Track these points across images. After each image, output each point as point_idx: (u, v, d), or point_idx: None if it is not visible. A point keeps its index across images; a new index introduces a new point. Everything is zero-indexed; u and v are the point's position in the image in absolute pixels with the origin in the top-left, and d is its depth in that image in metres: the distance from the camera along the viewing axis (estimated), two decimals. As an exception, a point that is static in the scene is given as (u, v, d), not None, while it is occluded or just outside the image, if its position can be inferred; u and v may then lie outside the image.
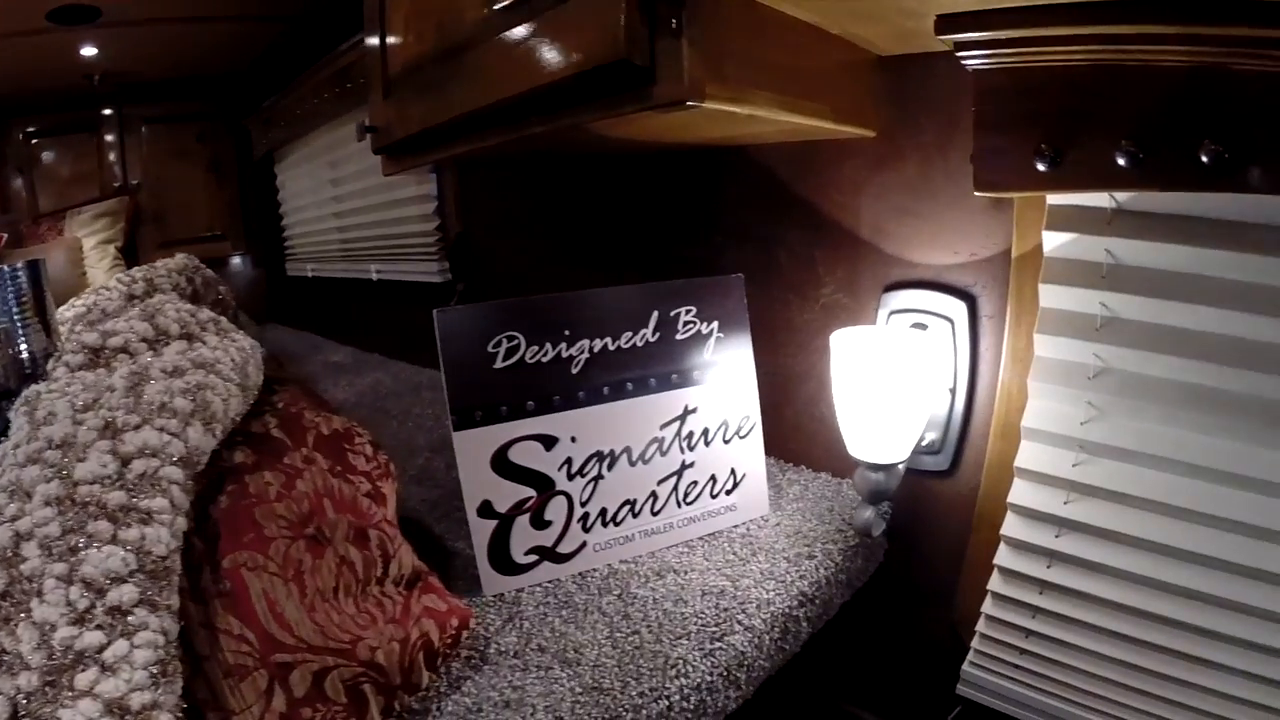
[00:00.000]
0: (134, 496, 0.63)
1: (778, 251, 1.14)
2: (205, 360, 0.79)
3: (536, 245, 1.69)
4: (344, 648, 0.66)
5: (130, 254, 2.84)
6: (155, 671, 0.56)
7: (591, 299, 0.89)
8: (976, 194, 0.83)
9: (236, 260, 3.26)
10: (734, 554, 0.92)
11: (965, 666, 0.97)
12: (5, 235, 2.73)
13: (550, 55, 0.75)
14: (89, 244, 2.77)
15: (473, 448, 0.83)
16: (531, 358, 0.85)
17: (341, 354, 2.10)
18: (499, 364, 0.84)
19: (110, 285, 1.08)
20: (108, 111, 2.92)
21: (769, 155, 1.14)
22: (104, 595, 0.57)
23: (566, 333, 0.87)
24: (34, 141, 2.94)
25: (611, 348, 0.89)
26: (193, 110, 3.05)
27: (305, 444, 0.76)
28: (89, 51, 2.42)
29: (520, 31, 0.79)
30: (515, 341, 0.84)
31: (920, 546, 1.04)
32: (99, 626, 0.56)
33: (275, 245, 3.14)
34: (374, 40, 1.15)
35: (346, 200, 2.39)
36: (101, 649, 0.55)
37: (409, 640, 0.70)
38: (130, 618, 0.57)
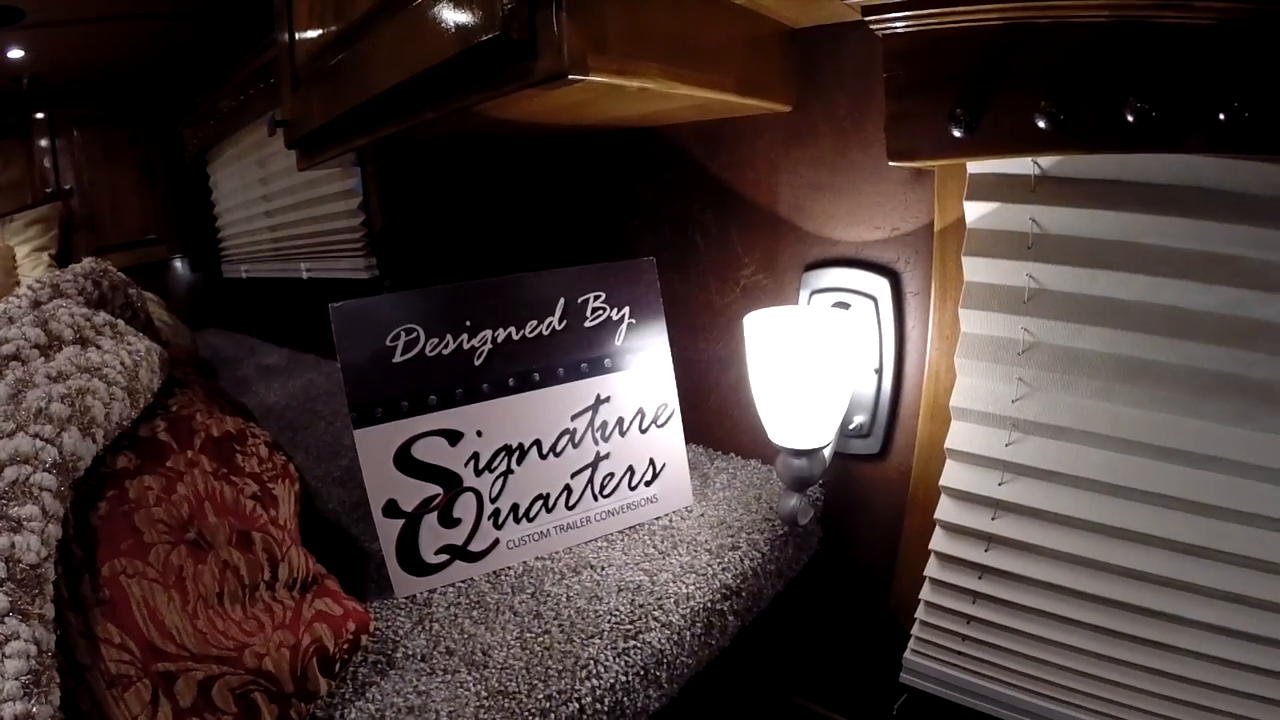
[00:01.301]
0: (4, 504, 0.64)
1: (694, 234, 1.15)
2: (91, 364, 0.80)
3: (460, 237, 1.71)
4: (229, 655, 0.68)
5: (65, 261, 2.85)
6: (28, 681, 0.57)
7: (493, 288, 0.90)
8: (891, 164, 0.83)
9: (178, 264, 3.27)
10: (654, 547, 0.93)
11: (907, 655, 0.98)
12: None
13: (436, 35, 0.76)
14: (22, 252, 2.79)
15: (374, 446, 0.84)
16: (431, 350, 0.86)
17: (276, 356, 2.12)
18: (398, 358, 0.85)
19: (20, 292, 1.09)
20: (39, 115, 2.94)
21: (684, 135, 1.15)
22: (-27, 606, 0.58)
23: (467, 323, 0.88)
24: (-37, 149, 2.95)
25: (516, 337, 0.90)
26: (125, 112, 3.07)
27: (191, 447, 0.77)
28: (16, 54, 2.44)
29: (406, 13, 0.80)
30: (414, 334, 0.85)
31: (856, 533, 1.06)
32: (-31, 637, 0.57)
33: (211, 248, 3.17)
34: (283, 31, 1.17)
35: (276, 199, 2.41)
36: (-29, 660, 0.56)
37: (300, 646, 0.71)
38: (0, 627, 0.58)
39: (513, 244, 1.56)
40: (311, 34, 1.09)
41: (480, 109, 0.82)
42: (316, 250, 2.21)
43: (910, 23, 0.80)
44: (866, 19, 0.81)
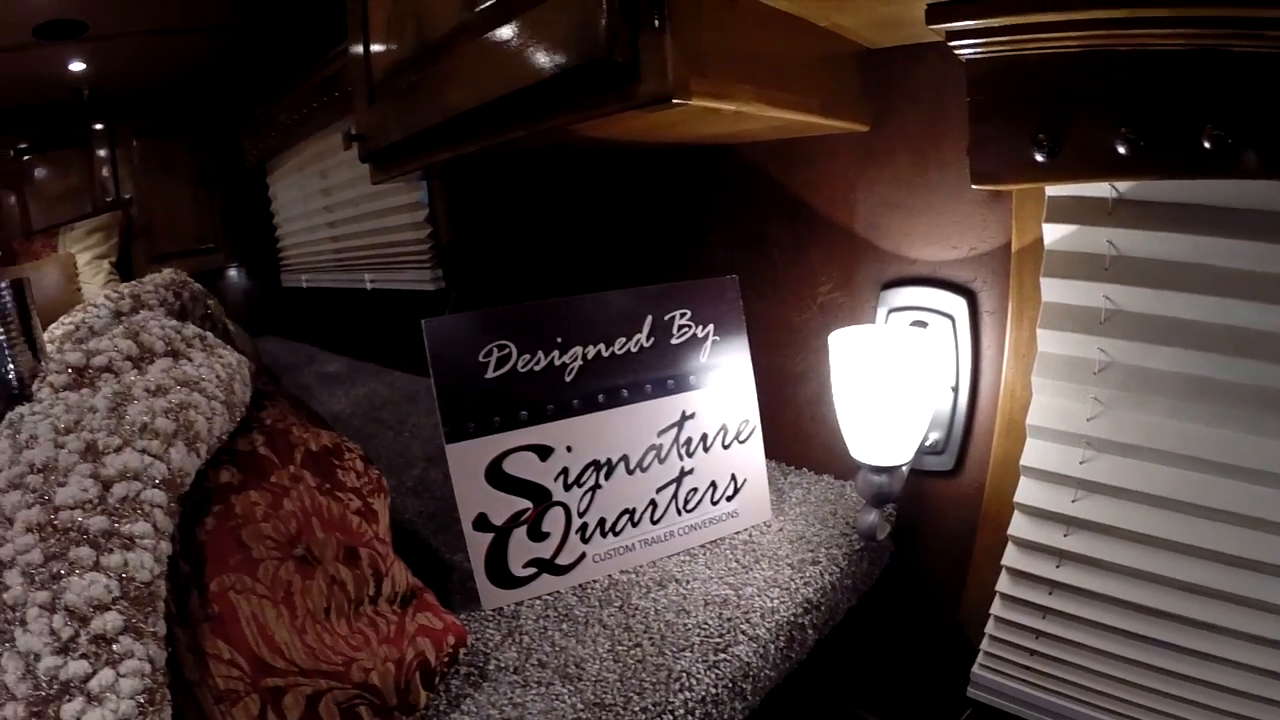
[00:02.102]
0: (116, 521, 0.61)
1: (772, 251, 1.13)
2: (189, 378, 0.77)
3: (528, 250, 1.68)
4: (337, 670, 0.65)
5: (124, 268, 2.85)
6: (143, 700, 0.55)
7: (583, 305, 0.87)
8: (974, 187, 0.81)
9: (233, 272, 3.26)
10: (737, 561, 0.90)
11: (975, 669, 0.96)
12: (-1, 253, 2.74)
13: (530, 56, 0.74)
14: (83, 260, 2.78)
15: (466, 460, 0.82)
16: (523, 367, 0.84)
17: (336, 364, 2.09)
18: (490, 374, 0.82)
19: (98, 302, 1.06)
20: (99, 126, 2.93)
21: (760, 153, 1.13)
22: (88, 623, 0.56)
23: (558, 340, 0.85)
24: (25, 158, 2.93)
25: (605, 354, 0.87)
26: (184, 122, 3.06)
27: (293, 461, 0.75)
28: (77, 66, 2.43)
29: (499, 32, 0.78)
30: (506, 350, 0.83)
31: (926, 548, 1.03)
32: (83, 655, 0.55)
33: (269, 257, 3.14)
34: (358, 44, 1.14)
35: (338, 210, 2.38)
36: (87, 678, 0.54)
37: (404, 660, 0.68)
38: (115, 646, 0.56)
39: (582, 258, 1.53)
40: (389, 47, 1.05)
41: (573, 128, 0.79)
42: (381, 261, 2.18)
43: (993, 48, 0.78)
44: (950, 43, 0.78)
